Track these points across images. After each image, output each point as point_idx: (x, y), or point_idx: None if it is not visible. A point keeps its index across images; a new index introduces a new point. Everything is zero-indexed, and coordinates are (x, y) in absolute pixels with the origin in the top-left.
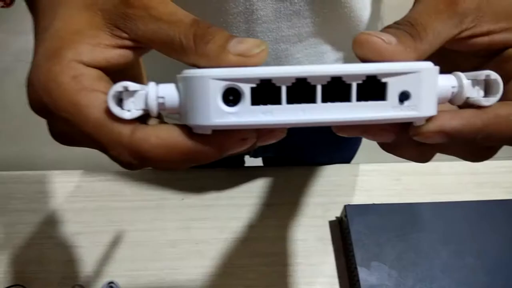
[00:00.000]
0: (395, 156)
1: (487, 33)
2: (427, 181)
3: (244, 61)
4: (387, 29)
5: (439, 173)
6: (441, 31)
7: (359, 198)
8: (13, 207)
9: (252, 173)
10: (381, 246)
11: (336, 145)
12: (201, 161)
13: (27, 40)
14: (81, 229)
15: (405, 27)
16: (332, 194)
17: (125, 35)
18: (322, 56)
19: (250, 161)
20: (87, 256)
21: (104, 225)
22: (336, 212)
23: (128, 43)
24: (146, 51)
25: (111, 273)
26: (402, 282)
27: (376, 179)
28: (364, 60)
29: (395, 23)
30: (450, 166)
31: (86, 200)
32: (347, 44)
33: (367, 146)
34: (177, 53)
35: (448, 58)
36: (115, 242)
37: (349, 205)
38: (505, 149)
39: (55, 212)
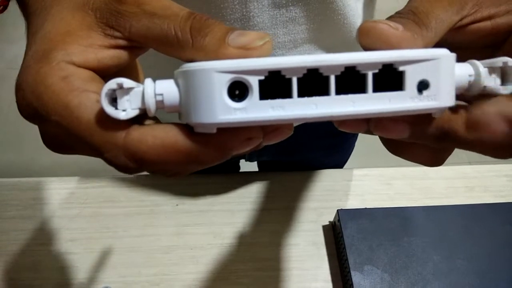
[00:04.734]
0: (387, 161)
1: (489, 17)
2: (418, 186)
3: (246, 54)
4: (390, 18)
5: (430, 178)
6: (443, 18)
7: (352, 203)
8: (8, 214)
9: (246, 179)
10: (373, 250)
11: (331, 149)
12: (203, 163)
13: (21, 47)
14: (75, 236)
15: (408, 15)
16: (325, 198)
17: (118, 34)
18: None
19: (245, 166)
20: (82, 263)
21: (98, 231)
22: (329, 217)
23: (122, 42)
24: (142, 51)
25: (105, 279)
26: (394, 285)
27: (369, 184)
28: (369, 49)
29: (397, 13)
30: (438, 170)
31: (80, 206)
32: (341, 50)
33: (360, 151)
34: (173, 48)
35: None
36: (109, 248)
37: (342, 209)
38: None
39: (49, 218)
